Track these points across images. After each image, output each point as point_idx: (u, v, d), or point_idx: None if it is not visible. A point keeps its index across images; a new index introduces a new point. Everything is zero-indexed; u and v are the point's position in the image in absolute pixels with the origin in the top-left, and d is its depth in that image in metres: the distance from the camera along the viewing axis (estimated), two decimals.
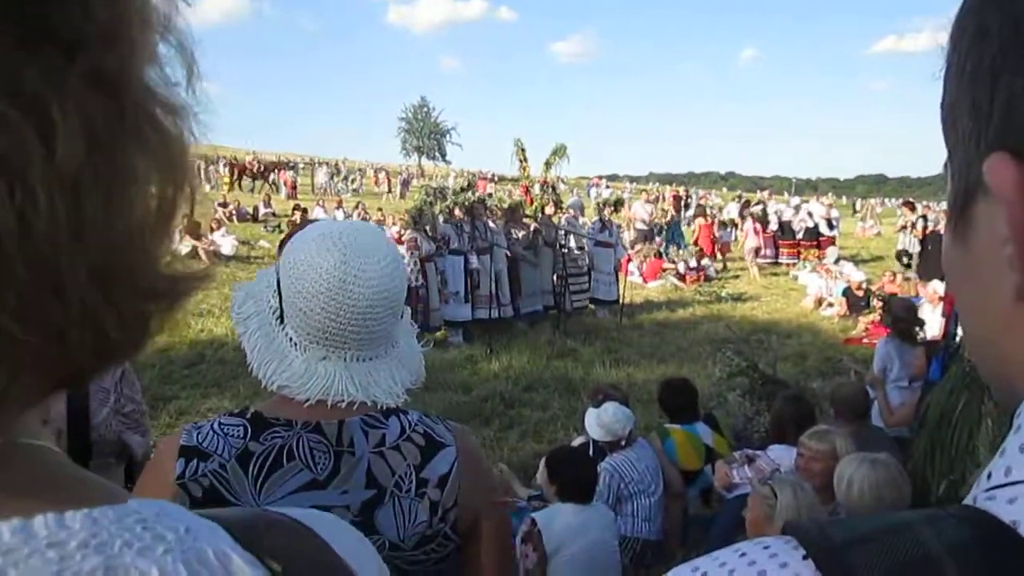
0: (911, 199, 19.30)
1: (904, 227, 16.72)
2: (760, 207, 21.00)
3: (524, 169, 12.31)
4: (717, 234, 19.52)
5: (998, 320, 0.44)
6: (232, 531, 0.43)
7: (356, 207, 25.01)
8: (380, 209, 23.01)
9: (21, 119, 0.32)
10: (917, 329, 6.32)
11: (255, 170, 33.44)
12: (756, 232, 18.10)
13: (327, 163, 44.20)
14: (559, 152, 12.13)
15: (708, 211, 23.80)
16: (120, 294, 0.37)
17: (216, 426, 1.24)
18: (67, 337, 0.35)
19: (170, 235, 0.40)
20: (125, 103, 0.36)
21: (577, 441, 5.10)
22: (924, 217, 15.61)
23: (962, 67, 0.43)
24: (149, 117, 0.38)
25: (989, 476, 0.42)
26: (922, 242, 15.33)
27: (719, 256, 18.64)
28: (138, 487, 1.26)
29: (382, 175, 42.05)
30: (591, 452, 4.81)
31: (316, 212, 24.36)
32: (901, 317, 6.05)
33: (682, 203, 27.08)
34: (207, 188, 30.46)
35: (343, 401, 1.22)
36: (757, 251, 17.93)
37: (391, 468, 1.25)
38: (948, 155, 0.47)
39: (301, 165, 43.14)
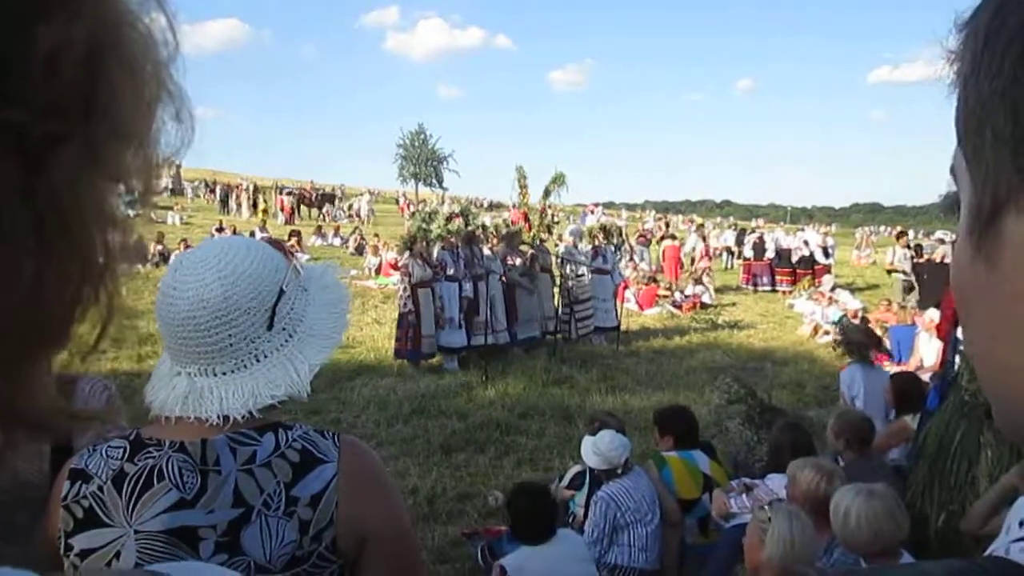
0: (904, 230, 19.34)
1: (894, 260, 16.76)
2: (757, 235, 21.14)
3: (524, 196, 12.38)
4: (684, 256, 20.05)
5: (1022, 343, 0.41)
6: None
7: (353, 232, 25.08)
8: (377, 235, 23.02)
9: None
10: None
11: (312, 199, 35.17)
12: (705, 252, 19.23)
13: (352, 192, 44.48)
14: (558, 180, 12.22)
15: (677, 234, 24.09)
16: None
17: (104, 448, 1.25)
18: None
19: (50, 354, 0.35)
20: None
21: (573, 469, 5.06)
22: (919, 246, 15.64)
23: (999, 63, 0.39)
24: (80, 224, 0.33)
25: (1021, 524, 0.39)
26: (916, 270, 15.35)
27: (684, 278, 18.85)
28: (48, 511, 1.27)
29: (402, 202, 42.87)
30: (587, 480, 4.78)
31: (312, 238, 24.47)
32: (857, 340, 6.03)
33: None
34: (232, 213, 30.99)
35: (208, 419, 1.20)
36: (705, 270, 18.66)
37: (259, 486, 1.21)
38: (964, 161, 0.43)
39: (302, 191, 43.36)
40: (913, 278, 13.72)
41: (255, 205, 31.75)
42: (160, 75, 0.35)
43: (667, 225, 27.84)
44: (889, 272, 15.46)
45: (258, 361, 1.25)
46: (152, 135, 0.36)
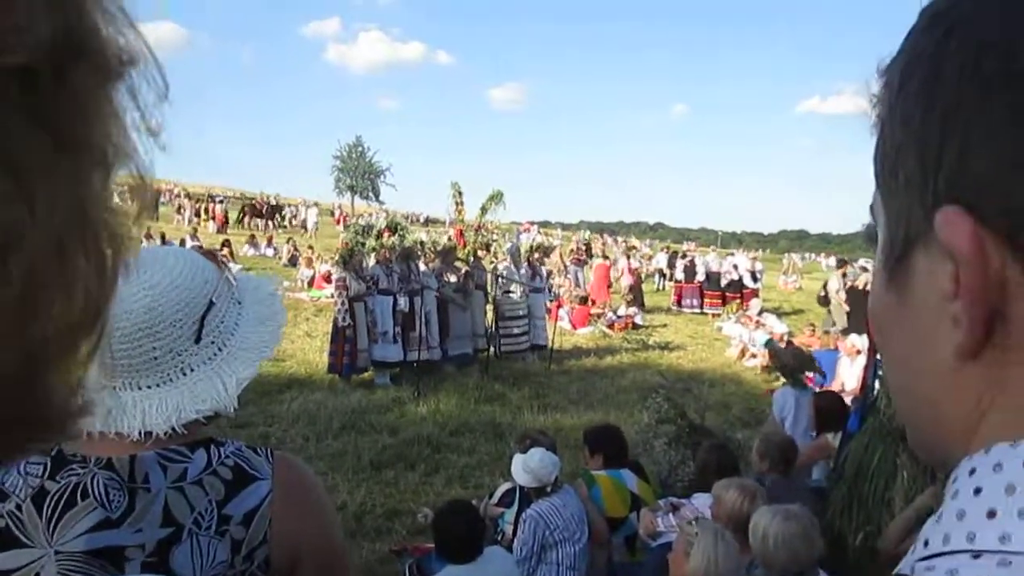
0: (844, 258, 19.89)
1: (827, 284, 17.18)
2: (688, 259, 21.58)
3: (460, 212, 12.38)
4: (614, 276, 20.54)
5: (936, 379, 0.43)
6: None
7: (287, 242, 24.73)
8: (311, 247, 22.74)
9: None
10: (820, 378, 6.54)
11: (263, 210, 34.80)
12: (628, 269, 20.07)
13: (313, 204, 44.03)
14: (495, 198, 12.25)
15: (607, 254, 24.52)
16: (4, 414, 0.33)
17: (22, 465, 1.18)
18: None
19: (80, 355, 0.36)
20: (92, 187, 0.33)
21: (503, 487, 5.06)
22: (844, 274, 16.09)
23: (910, 112, 0.42)
24: (105, 213, 0.34)
25: (926, 543, 0.40)
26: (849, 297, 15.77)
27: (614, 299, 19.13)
28: None
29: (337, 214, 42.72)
30: (517, 498, 4.78)
31: (244, 248, 24.03)
32: (789, 364, 6.24)
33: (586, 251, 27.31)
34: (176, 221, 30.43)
35: (130, 435, 1.16)
36: (631, 288, 19.46)
37: (190, 504, 1.18)
38: (881, 199, 0.46)
39: (231, 199, 42.78)
40: (847, 307, 14.11)
41: (199, 213, 31.24)
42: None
43: (588, 247, 27.93)
44: (824, 299, 15.87)
45: (184, 375, 1.21)
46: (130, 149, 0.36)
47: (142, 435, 1.16)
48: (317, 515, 1.31)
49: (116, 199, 0.36)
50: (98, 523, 1.14)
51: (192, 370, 1.22)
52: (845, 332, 12.21)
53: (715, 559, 2.81)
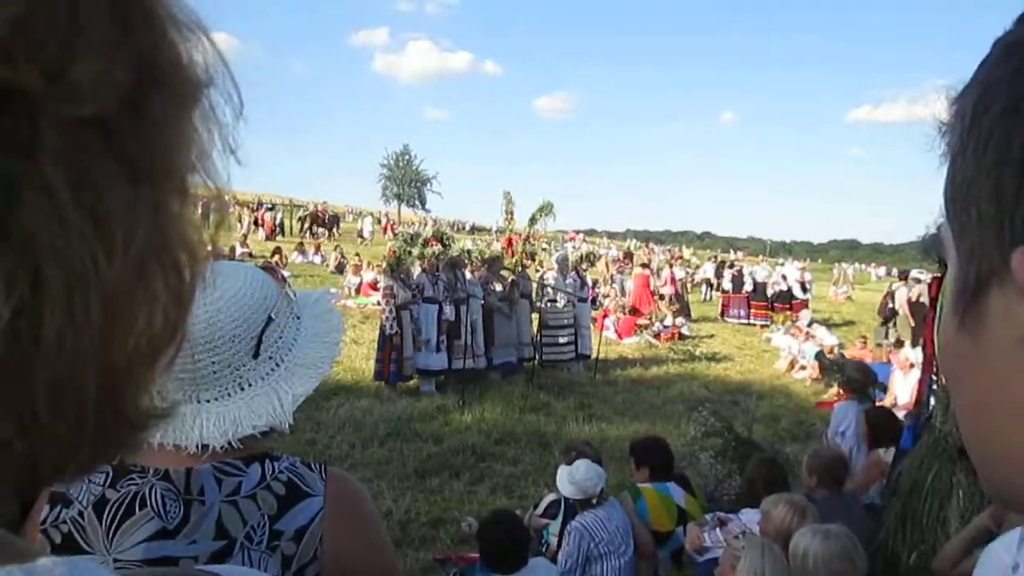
0: (906, 269, 19.32)
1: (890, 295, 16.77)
2: (736, 268, 21.33)
3: (510, 221, 12.41)
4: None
5: (1007, 415, 0.42)
6: None
7: (335, 249, 25.03)
8: (358, 254, 22.98)
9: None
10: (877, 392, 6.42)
11: (324, 219, 35.85)
12: (671, 278, 19.74)
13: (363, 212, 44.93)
14: (545, 209, 12.24)
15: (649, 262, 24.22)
16: (94, 422, 0.34)
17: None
18: (12, 449, 0.32)
19: (160, 365, 0.37)
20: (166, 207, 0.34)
21: (548, 498, 5.04)
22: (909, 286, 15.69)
23: (984, 145, 0.40)
24: (183, 230, 0.36)
25: None
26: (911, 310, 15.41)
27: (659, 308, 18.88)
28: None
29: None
30: (561, 510, 4.76)
31: (293, 255, 24.37)
32: (856, 378, 6.14)
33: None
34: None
35: (187, 447, 1.17)
36: (673, 297, 19.25)
37: (243, 518, 1.18)
38: (951, 235, 0.44)
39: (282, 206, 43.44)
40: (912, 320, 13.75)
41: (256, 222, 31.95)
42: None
43: (630, 255, 27.64)
44: (892, 311, 15.49)
45: (242, 390, 1.22)
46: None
47: (199, 448, 1.17)
48: (368, 533, 1.30)
49: (194, 214, 0.37)
50: (155, 533, 1.16)
51: (250, 385, 1.23)
52: (898, 344, 11.95)
53: (762, 572, 2.76)
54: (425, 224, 17.35)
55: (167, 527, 1.17)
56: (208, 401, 1.21)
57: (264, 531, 1.19)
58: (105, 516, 1.16)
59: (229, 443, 1.18)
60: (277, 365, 1.26)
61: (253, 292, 1.24)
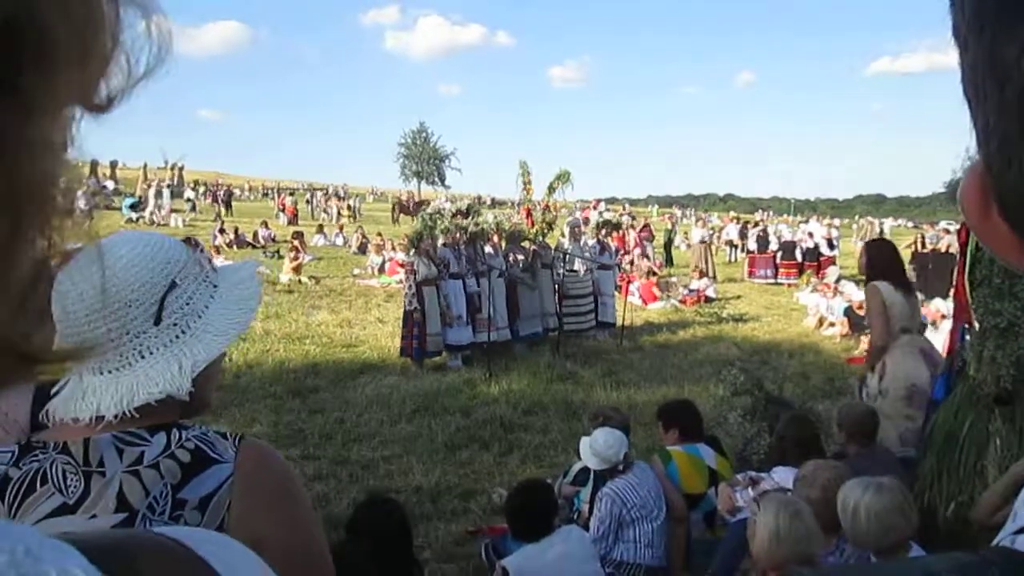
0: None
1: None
2: (760, 228, 21.12)
3: (528, 191, 12.35)
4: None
5: None
6: (89, 554, 0.37)
7: (356, 230, 25.09)
8: (380, 234, 23.01)
9: None
10: None
11: (409, 207, 36.88)
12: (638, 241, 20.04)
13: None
14: (563, 178, 12.18)
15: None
16: None
17: None
18: None
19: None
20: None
21: (578, 466, 5.03)
22: (922, 236, 15.58)
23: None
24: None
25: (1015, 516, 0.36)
26: (919, 260, 15.29)
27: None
28: None
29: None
30: (592, 476, 4.74)
31: (315, 239, 24.47)
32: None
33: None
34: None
35: (84, 419, 1.14)
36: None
37: (145, 488, 1.13)
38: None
39: (301, 190, 43.68)
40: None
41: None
42: None
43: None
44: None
45: (143, 358, 1.18)
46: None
47: (93, 420, 1.14)
48: (284, 505, 1.23)
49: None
50: (55, 508, 1.13)
51: (151, 353, 1.19)
52: (928, 297, 11.79)
53: (776, 533, 2.69)
54: (445, 201, 17.36)
55: (68, 502, 1.13)
56: (111, 372, 1.17)
57: (167, 501, 1.14)
58: (7, 495, 1.13)
59: (129, 412, 1.14)
60: (183, 332, 1.21)
61: (153, 257, 1.20)
